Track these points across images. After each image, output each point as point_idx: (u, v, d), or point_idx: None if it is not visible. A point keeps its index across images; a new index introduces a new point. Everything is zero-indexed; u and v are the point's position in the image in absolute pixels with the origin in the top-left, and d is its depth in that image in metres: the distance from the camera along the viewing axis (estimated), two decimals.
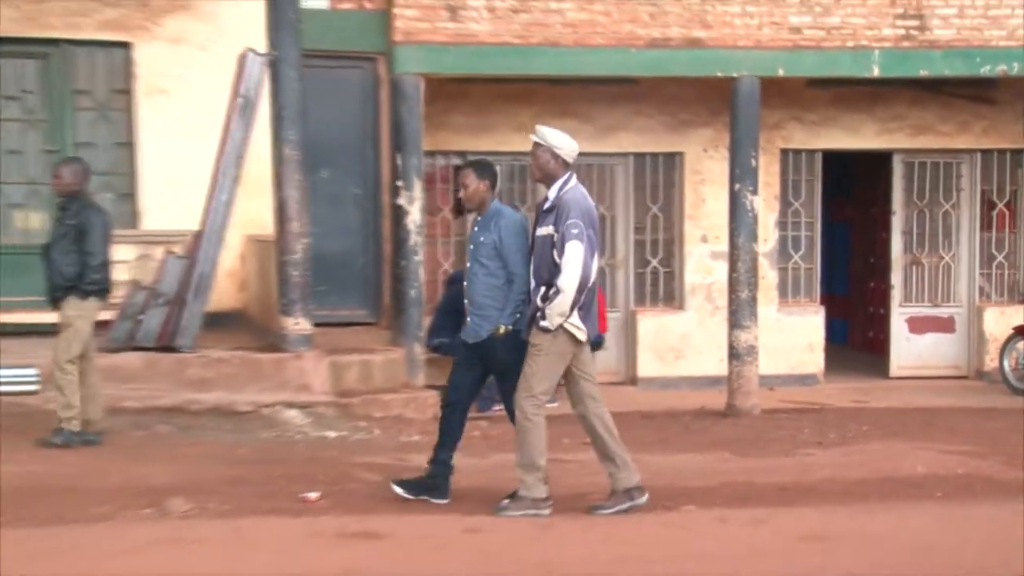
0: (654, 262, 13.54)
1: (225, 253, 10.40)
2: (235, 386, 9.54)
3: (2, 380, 8.35)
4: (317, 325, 10.12)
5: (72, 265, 8.06)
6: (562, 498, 6.87)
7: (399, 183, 11.25)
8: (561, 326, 6.47)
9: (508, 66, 11.43)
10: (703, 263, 13.34)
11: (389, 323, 11.68)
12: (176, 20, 11.19)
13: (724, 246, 12.01)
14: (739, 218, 11.42)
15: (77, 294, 8.10)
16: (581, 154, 12.79)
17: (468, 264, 7.02)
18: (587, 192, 6.86)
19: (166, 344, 9.72)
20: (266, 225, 10.45)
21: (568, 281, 6.43)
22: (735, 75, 11.47)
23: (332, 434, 9.18)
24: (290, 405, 9.29)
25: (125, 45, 11.19)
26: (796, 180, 13.69)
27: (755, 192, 11.48)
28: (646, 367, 13.20)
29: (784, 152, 13.51)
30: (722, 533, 6.46)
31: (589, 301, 6.64)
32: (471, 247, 7.00)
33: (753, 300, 11.51)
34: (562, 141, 6.74)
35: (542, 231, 6.68)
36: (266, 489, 7.23)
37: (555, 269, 6.50)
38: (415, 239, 11.29)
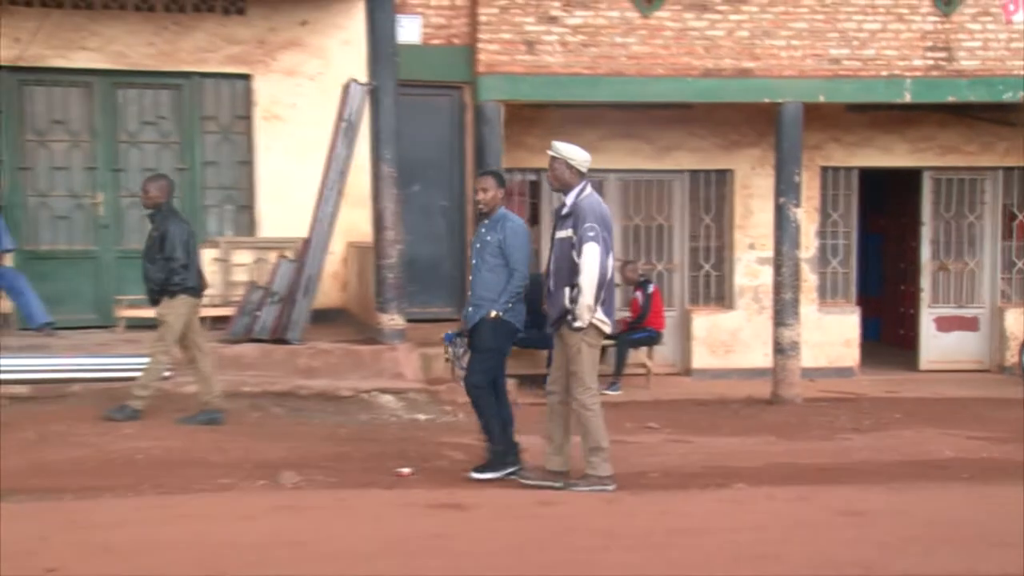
0: (707, 266, 13.45)
1: (329, 257, 10.50)
2: (338, 374, 9.61)
3: (142, 368, 8.47)
4: (409, 321, 10.17)
5: (159, 270, 8.14)
6: (625, 476, 6.84)
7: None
8: (590, 322, 6.46)
9: (577, 93, 11.44)
10: (751, 268, 13.23)
11: None
12: (290, 55, 11.33)
13: (770, 253, 11.93)
14: (783, 228, 11.31)
15: (167, 295, 8.18)
16: (642, 171, 13.01)
17: (473, 261, 7.01)
18: (601, 199, 6.80)
19: (279, 337, 9.82)
20: (365, 233, 10.52)
21: (587, 279, 6.40)
22: (780, 101, 11.37)
23: (422, 417, 9.20)
24: (385, 391, 9.32)
25: (246, 77, 11.34)
26: (835, 194, 13.53)
27: (798, 205, 11.36)
28: (699, 360, 13.11)
29: (824, 169, 13.35)
30: (770, 508, 6.41)
31: (609, 297, 6.62)
32: (477, 246, 6.98)
33: (795, 301, 11.40)
34: (575, 153, 6.70)
35: (561, 234, 6.65)
36: (365, 465, 7.28)
37: (575, 268, 6.47)
38: None
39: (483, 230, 6.96)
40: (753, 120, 12.66)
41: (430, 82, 11.54)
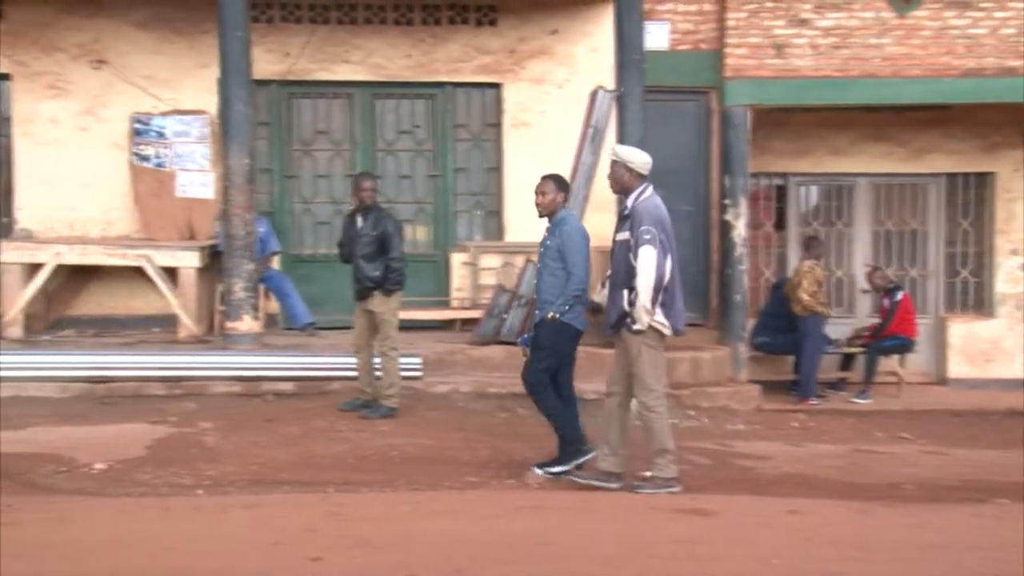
0: (964, 273, 13.01)
1: None
2: (582, 377, 9.81)
3: (399, 368, 8.84)
4: None
5: (377, 269, 8.50)
6: (876, 487, 6.76)
7: (726, 201, 11.40)
8: (649, 325, 6.40)
9: (827, 96, 11.38)
10: (1013, 274, 12.72)
11: (716, 324, 11.80)
12: (538, 63, 11.69)
13: None
14: None
15: (384, 292, 8.55)
16: (894, 174, 12.71)
17: (539, 265, 7.09)
18: (660, 202, 6.69)
19: None
20: (608, 238, 10.71)
21: (644, 282, 6.35)
22: None
23: None
24: None
25: (496, 86, 11.76)
26: None
27: None
28: (956, 369, 12.68)
29: None
30: None
31: (671, 299, 6.53)
32: (541, 250, 7.06)
33: None
34: (635, 156, 6.67)
35: (620, 237, 6.62)
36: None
37: (632, 271, 6.42)
38: (740, 250, 11.41)
39: (546, 234, 7.08)
40: (1017, 120, 12.16)
41: (676, 87, 11.71)
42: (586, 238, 7.05)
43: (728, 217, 11.37)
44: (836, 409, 10.90)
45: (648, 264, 6.41)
